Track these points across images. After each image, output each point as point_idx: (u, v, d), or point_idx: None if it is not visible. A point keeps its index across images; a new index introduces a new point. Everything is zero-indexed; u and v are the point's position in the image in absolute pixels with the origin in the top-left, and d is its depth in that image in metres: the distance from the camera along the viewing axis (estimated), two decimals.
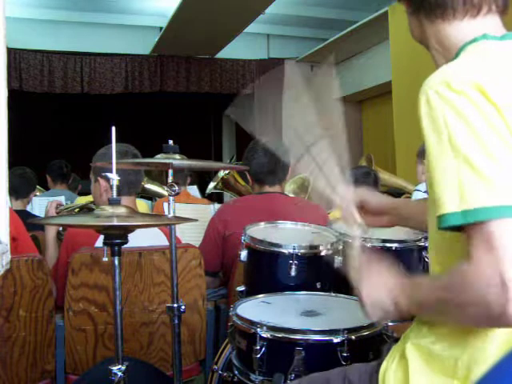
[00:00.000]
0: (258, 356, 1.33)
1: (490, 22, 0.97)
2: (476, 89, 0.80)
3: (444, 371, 0.90)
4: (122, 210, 1.18)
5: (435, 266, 0.98)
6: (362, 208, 1.33)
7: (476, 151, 0.78)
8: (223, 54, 7.25)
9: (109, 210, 1.18)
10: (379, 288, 1.00)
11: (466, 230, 0.79)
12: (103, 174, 1.93)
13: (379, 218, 1.35)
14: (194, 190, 4.03)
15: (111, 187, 1.23)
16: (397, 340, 1.15)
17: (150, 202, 4.00)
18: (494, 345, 0.86)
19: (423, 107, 0.84)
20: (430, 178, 0.84)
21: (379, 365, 1.05)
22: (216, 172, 3.94)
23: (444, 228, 0.82)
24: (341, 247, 1.73)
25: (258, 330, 1.34)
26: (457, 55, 0.95)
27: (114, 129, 1.24)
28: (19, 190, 3.45)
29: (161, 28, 6.56)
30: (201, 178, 4.91)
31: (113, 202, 1.21)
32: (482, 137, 0.78)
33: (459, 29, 0.98)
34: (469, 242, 0.79)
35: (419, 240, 1.77)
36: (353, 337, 1.32)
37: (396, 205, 1.38)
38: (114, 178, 1.22)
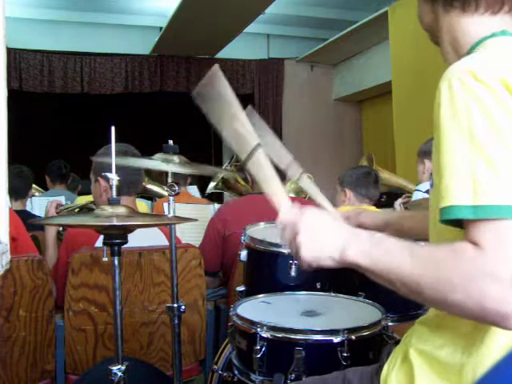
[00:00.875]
0: (258, 356, 1.33)
1: (507, 21, 0.94)
2: (502, 83, 0.77)
3: (449, 377, 0.90)
4: (121, 210, 1.18)
5: None
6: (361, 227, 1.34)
7: (496, 146, 0.75)
8: (223, 53, 7.24)
9: (108, 209, 1.18)
10: (324, 230, 0.92)
11: (471, 223, 0.76)
12: (103, 173, 1.93)
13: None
14: (194, 190, 4.03)
15: (111, 187, 1.23)
16: (397, 342, 1.14)
17: (149, 202, 4.00)
18: (497, 348, 0.85)
19: (444, 94, 0.81)
20: (439, 169, 0.80)
21: (380, 367, 1.05)
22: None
23: (447, 220, 0.78)
24: None
25: (258, 329, 1.34)
26: (472, 49, 0.92)
27: (113, 129, 1.23)
28: (18, 190, 3.44)
29: (161, 28, 6.55)
30: (201, 178, 4.90)
31: (112, 202, 1.21)
32: (503, 133, 0.76)
33: (478, 23, 0.94)
34: (477, 233, 0.75)
35: (418, 240, 1.76)
36: (353, 337, 1.31)
37: (392, 221, 1.38)
38: (114, 177, 1.22)
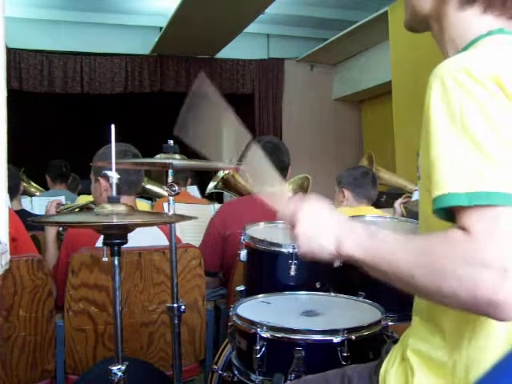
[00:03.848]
0: (258, 356, 1.33)
1: (509, 26, 0.94)
2: (494, 82, 0.78)
3: (444, 375, 0.90)
4: (121, 208, 1.18)
5: None
6: None
7: (489, 136, 0.76)
8: (223, 53, 7.24)
9: (108, 208, 1.18)
10: (320, 222, 0.92)
11: (464, 210, 0.76)
12: (103, 173, 1.93)
13: None
14: (193, 190, 4.03)
15: (111, 186, 1.23)
16: (396, 341, 1.15)
17: (149, 201, 4.00)
18: (494, 345, 0.85)
19: (437, 91, 0.81)
20: (430, 162, 0.80)
21: (379, 365, 1.05)
22: (216, 172, 3.94)
23: (440, 209, 0.78)
24: None
25: (258, 329, 1.34)
26: (469, 45, 0.92)
27: (113, 127, 1.23)
28: (11, 189, 3.41)
29: (161, 28, 6.55)
30: (201, 178, 4.91)
31: (112, 200, 1.20)
32: (496, 123, 0.76)
33: (480, 21, 0.93)
34: (469, 219, 0.75)
35: None
36: (353, 337, 1.32)
37: None
38: (114, 176, 1.22)
